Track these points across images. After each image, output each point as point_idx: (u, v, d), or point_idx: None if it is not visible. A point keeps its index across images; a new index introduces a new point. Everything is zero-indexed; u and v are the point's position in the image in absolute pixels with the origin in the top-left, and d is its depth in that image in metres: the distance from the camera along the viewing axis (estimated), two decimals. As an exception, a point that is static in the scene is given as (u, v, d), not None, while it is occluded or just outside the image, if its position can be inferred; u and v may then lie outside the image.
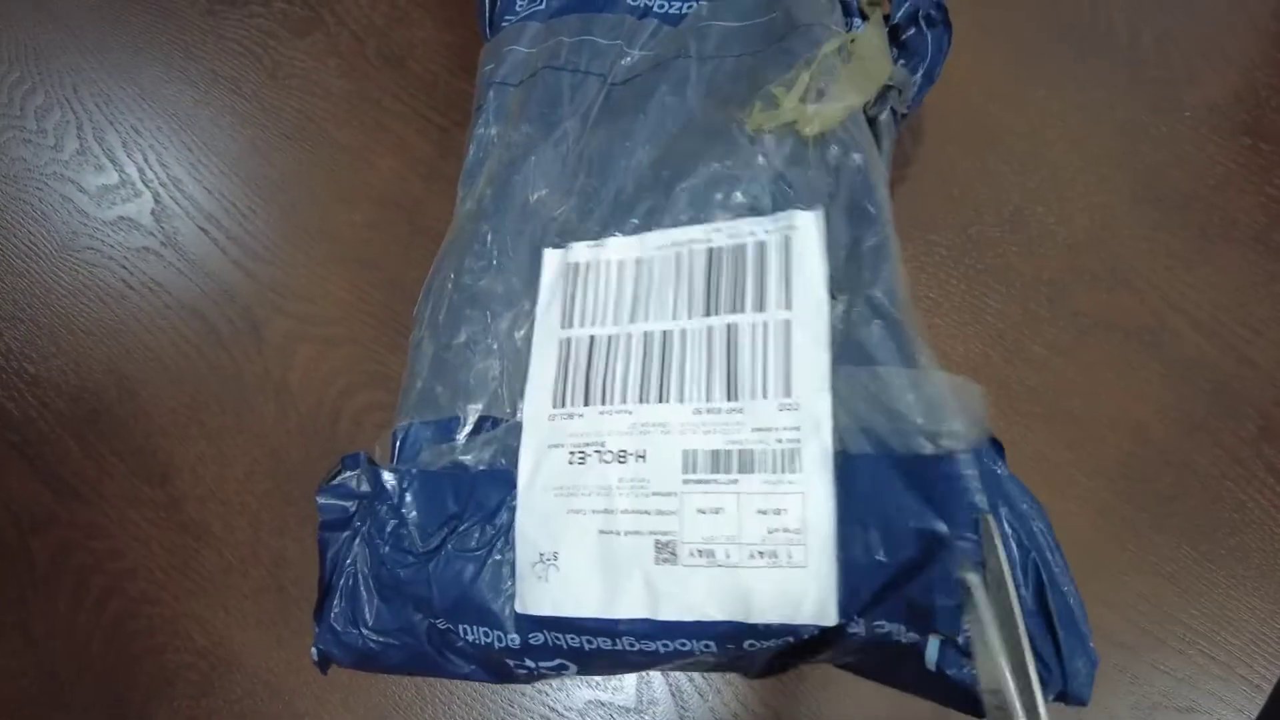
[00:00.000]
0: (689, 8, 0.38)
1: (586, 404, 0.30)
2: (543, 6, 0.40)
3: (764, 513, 0.27)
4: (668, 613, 0.27)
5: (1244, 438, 0.39)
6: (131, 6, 0.52)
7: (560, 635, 0.28)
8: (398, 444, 0.32)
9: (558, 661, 0.29)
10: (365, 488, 0.31)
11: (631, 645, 0.28)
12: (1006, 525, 0.26)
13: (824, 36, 0.35)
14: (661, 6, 0.39)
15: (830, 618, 0.26)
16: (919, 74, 0.38)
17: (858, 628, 0.26)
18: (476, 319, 0.33)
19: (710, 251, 0.31)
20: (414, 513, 0.30)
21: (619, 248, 0.33)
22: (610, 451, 0.29)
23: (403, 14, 0.51)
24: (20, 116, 0.50)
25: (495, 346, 0.33)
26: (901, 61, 0.37)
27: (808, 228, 0.31)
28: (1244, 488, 0.38)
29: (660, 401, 0.29)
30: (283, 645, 0.39)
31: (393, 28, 0.51)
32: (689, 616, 0.27)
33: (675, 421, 0.29)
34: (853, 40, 0.36)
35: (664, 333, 0.30)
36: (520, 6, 0.41)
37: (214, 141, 0.49)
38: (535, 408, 0.31)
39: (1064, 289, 0.42)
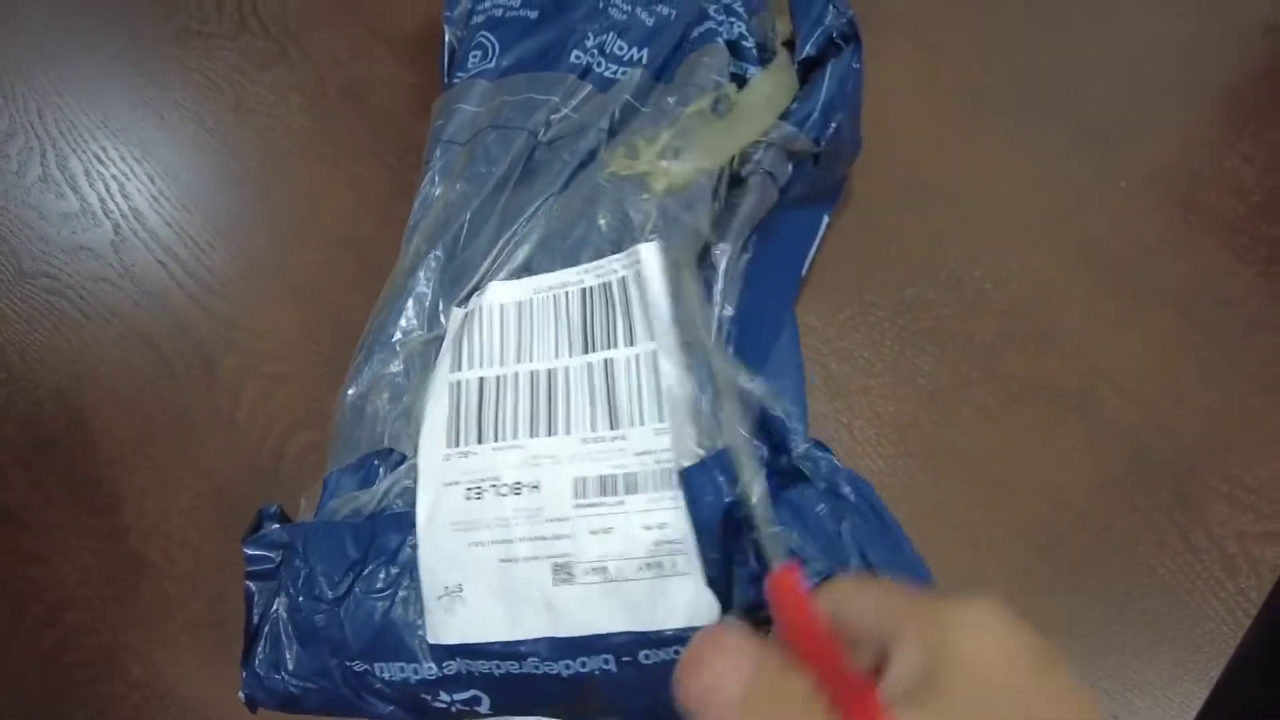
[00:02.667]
0: (624, 74, 0.39)
1: (480, 442, 0.31)
2: (491, 65, 0.41)
3: (649, 528, 0.29)
4: (567, 628, 0.29)
5: (1159, 503, 0.40)
6: (102, 30, 0.53)
7: (471, 662, 0.29)
8: (324, 492, 0.34)
9: (471, 693, 0.30)
10: (285, 538, 0.32)
11: (536, 668, 0.29)
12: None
13: (693, 96, 0.37)
14: (600, 66, 0.40)
15: (714, 614, 0.28)
16: (817, 102, 0.38)
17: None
18: (392, 369, 0.34)
19: (584, 291, 0.34)
20: (320, 562, 0.31)
21: (500, 293, 0.34)
22: (505, 484, 0.30)
23: (366, 50, 0.52)
24: (-16, 141, 0.51)
25: (404, 395, 0.34)
26: (795, 105, 0.38)
27: (651, 258, 0.33)
28: (1156, 553, 0.39)
29: (550, 434, 0.31)
30: (219, 678, 0.39)
31: (355, 63, 0.52)
32: (587, 630, 0.29)
33: (565, 452, 0.30)
34: (741, 90, 0.37)
35: (549, 371, 0.32)
36: (471, 64, 0.42)
37: (175, 173, 0.50)
38: (430, 450, 0.32)
39: (995, 352, 0.43)
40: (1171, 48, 0.51)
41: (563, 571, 0.29)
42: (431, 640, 0.30)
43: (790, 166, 0.38)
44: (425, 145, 0.41)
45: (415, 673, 0.30)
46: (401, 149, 0.49)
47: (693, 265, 0.34)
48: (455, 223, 0.36)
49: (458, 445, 0.31)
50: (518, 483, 0.30)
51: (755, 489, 0.25)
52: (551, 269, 0.34)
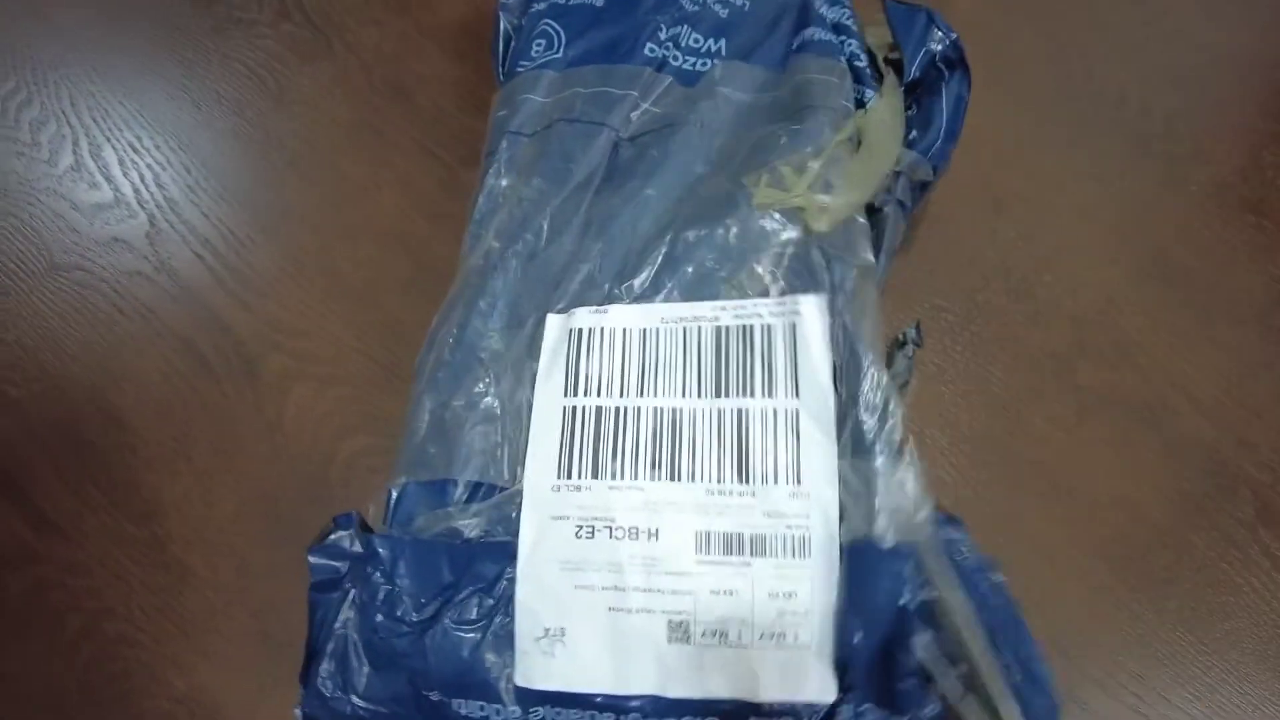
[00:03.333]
0: (705, 65, 0.38)
1: (595, 477, 0.30)
2: (559, 55, 0.40)
3: (774, 596, 0.28)
4: (677, 691, 0.27)
5: (1241, 520, 0.39)
6: (135, 19, 0.51)
7: (563, 710, 0.28)
8: (392, 503, 0.32)
9: None
10: (357, 548, 0.30)
11: None
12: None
13: (833, 122, 0.35)
14: (678, 60, 0.39)
15: (830, 694, 0.27)
16: (939, 131, 0.37)
17: (848, 709, 0.27)
18: (477, 379, 0.33)
19: (718, 330, 0.31)
20: (408, 580, 0.29)
21: (623, 316, 0.32)
22: (621, 527, 0.29)
23: (413, 45, 0.51)
24: (14, 128, 0.49)
25: (496, 409, 0.32)
26: (914, 133, 0.37)
27: (812, 314, 0.31)
28: (1240, 571, 0.38)
29: (672, 479, 0.29)
30: (265, 695, 0.38)
31: (402, 58, 0.50)
32: (698, 695, 0.27)
33: (688, 500, 0.29)
34: (864, 116, 0.36)
35: (674, 410, 0.30)
36: (536, 53, 0.40)
37: (214, 165, 0.48)
38: (538, 477, 0.30)
39: (1068, 362, 0.42)
40: (1231, 60, 0.50)
41: (679, 630, 0.28)
42: (522, 684, 0.28)
43: (915, 194, 0.37)
44: (487, 137, 0.40)
45: (498, 714, 0.28)
46: (452, 145, 0.47)
47: (875, 313, 0.31)
48: (534, 220, 0.35)
49: (570, 477, 0.30)
50: (635, 527, 0.29)
51: (959, 606, 0.24)
52: (669, 289, 0.32)
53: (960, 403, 0.41)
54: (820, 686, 0.27)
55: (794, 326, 0.31)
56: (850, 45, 0.39)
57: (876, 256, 0.33)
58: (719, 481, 0.29)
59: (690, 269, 0.33)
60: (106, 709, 0.37)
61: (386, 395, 0.42)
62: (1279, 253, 0.44)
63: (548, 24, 0.41)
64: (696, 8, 0.40)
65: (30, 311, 0.45)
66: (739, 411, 0.30)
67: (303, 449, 0.41)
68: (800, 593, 0.27)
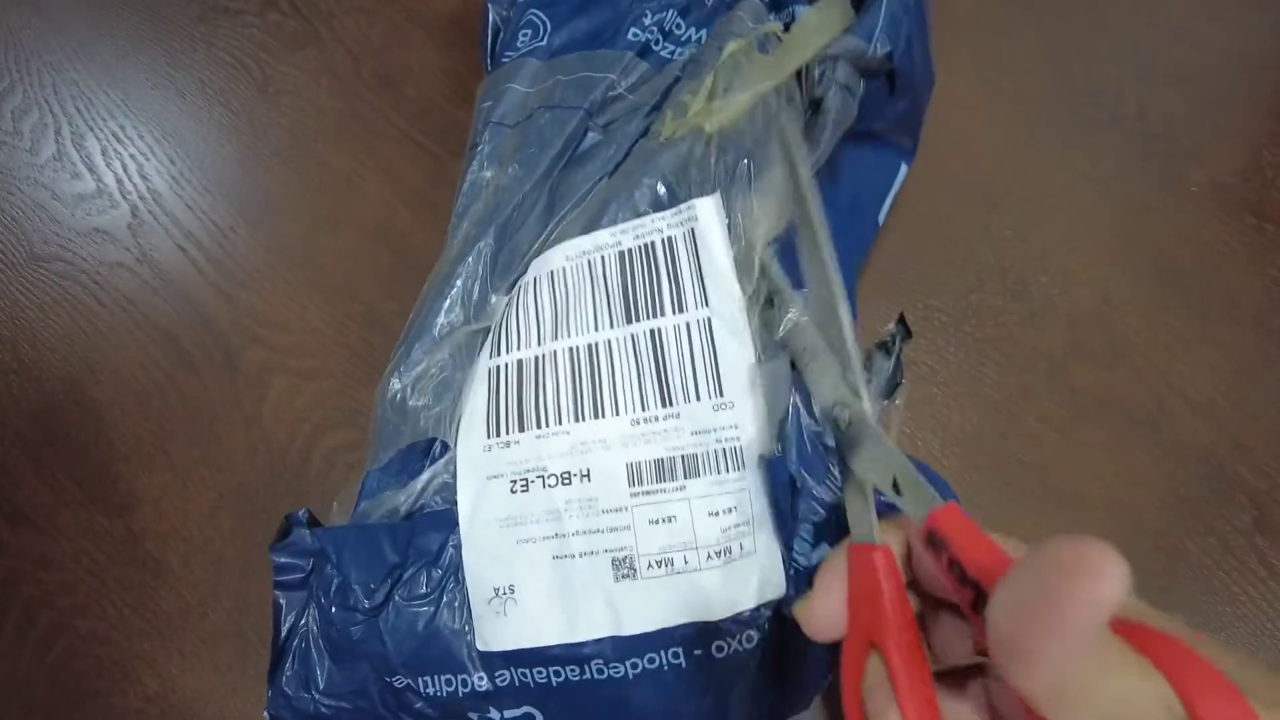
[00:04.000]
0: (680, 54, 0.37)
1: (522, 429, 0.29)
2: (543, 44, 0.39)
3: (714, 514, 0.27)
4: (631, 627, 0.27)
5: (1238, 527, 0.38)
6: (120, 7, 0.51)
7: (526, 670, 0.27)
8: (360, 494, 0.31)
9: (524, 710, 0.28)
10: (316, 544, 0.30)
11: (600, 671, 0.27)
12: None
13: (728, 39, 0.34)
14: (658, 45, 0.38)
15: (781, 588, 0.27)
16: (880, 11, 0.34)
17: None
18: (440, 367, 0.32)
19: (621, 254, 0.31)
20: (354, 568, 0.28)
21: (537, 266, 0.32)
22: (553, 474, 0.28)
23: (401, 35, 0.50)
24: (-5, 116, 0.48)
25: (451, 394, 0.31)
26: (858, 19, 0.34)
27: (709, 215, 0.30)
28: (1237, 580, 0.37)
29: (596, 417, 0.28)
30: (238, 694, 0.37)
31: (390, 48, 0.49)
32: (654, 627, 0.27)
33: (614, 435, 0.28)
34: (789, 24, 0.34)
35: (589, 345, 0.30)
36: (521, 42, 0.39)
37: (198, 155, 0.47)
38: (469, 441, 0.29)
39: (1062, 364, 0.41)
40: (1230, 59, 0.49)
41: (624, 566, 0.27)
42: (482, 647, 0.27)
43: (863, 83, 0.34)
44: (470, 129, 0.39)
45: (464, 685, 0.27)
46: (439, 136, 0.47)
47: (801, 146, 0.29)
48: (507, 207, 0.34)
49: (499, 435, 0.29)
50: (566, 472, 0.28)
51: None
52: (577, 232, 0.32)
53: (952, 404, 0.40)
54: (773, 585, 0.26)
55: (692, 232, 0.30)
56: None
57: (814, 142, 0.32)
58: (642, 409, 0.28)
59: (600, 210, 0.32)
60: (77, 707, 0.37)
61: (366, 389, 0.41)
62: (1278, 254, 0.43)
63: (534, 14, 0.40)
64: None
65: (8, 302, 0.44)
66: (653, 333, 0.29)
67: (281, 444, 0.40)
68: (739, 504, 0.27)
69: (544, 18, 0.40)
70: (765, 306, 0.29)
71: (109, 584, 0.38)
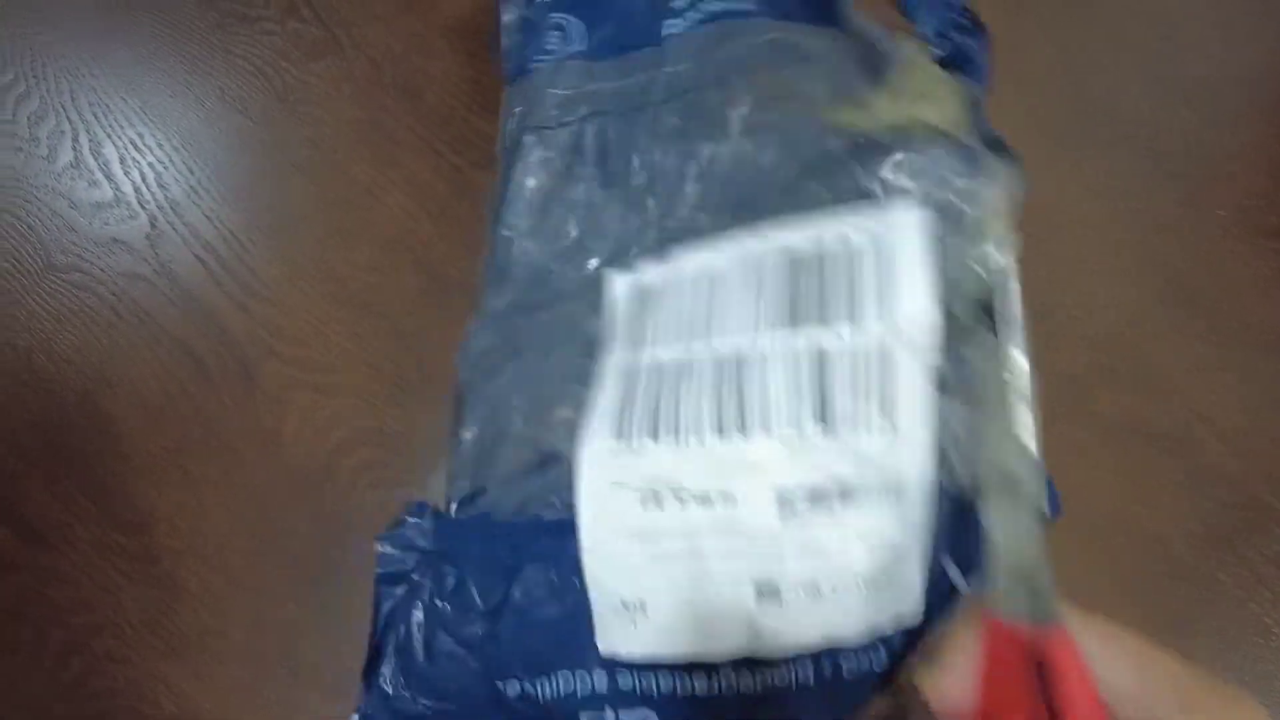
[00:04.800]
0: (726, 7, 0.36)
1: (655, 439, 0.27)
2: (578, 47, 0.38)
3: (870, 546, 0.25)
4: (769, 646, 0.26)
5: (1269, 557, 0.38)
6: (137, 14, 0.50)
7: (652, 675, 0.26)
8: (453, 503, 0.30)
9: (642, 713, 0.27)
10: (424, 542, 0.29)
11: (730, 686, 0.26)
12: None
13: (899, 56, 0.33)
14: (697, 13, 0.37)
15: (918, 618, 0.26)
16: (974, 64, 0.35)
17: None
18: (533, 365, 0.32)
19: (793, 258, 0.28)
20: (472, 566, 0.28)
21: (688, 261, 0.30)
22: (690, 493, 0.26)
23: (424, 44, 0.49)
24: (11, 122, 0.47)
25: (558, 390, 0.30)
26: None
27: (909, 229, 0.27)
28: (1269, 612, 0.37)
29: (742, 432, 0.26)
30: (256, 715, 0.36)
31: (412, 57, 0.49)
32: (791, 647, 0.26)
33: (764, 456, 0.26)
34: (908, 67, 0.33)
35: (741, 356, 0.27)
36: (552, 45, 0.39)
37: (217, 165, 0.46)
38: (595, 443, 0.28)
39: (1087, 387, 0.41)
40: (1248, 77, 0.49)
41: (768, 592, 0.25)
42: (606, 652, 0.26)
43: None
44: (501, 136, 0.38)
45: (583, 683, 0.27)
46: (461, 147, 0.46)
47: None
48: (581, 208, 0.33)
49: (628, 440, 0.27)
50: (706, 492, 0.26)
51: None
52: (738, 227, 0.30)
53: (979, 428, 0.40)
54: (911, 614, 0.25)
55: (885, 242, 0.27)
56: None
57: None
58: (798, 428, 0.26)
59: (765, 202, 0.30)
60: (92, 728, 0.36)
61: (389, 407, 0.40)
62: (1304, 282, 0.43)
63: (559, 16, 0.39)
64: None
65: (24, 313, 0.43)
66: (818, 348, 0.26)
67: (300, 461, 0.40)
68: (897, 539, 0.25)
69: (572, 19, 0.39)
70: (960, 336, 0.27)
71: (124, 603, 0.38)
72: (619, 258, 0.32)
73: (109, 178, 0.46)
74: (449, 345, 0.36)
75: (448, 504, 0.30)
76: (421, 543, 0.29)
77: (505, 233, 0.35)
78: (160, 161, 0.46)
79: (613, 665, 0.26)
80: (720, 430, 0.26)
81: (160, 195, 0.46)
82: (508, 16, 0.41)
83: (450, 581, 0.28)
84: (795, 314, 0.27)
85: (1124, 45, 0.49)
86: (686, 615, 0.26)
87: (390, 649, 0.28)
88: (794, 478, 0.26)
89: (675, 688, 0.26)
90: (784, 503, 0.25)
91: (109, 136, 0.47)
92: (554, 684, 0.27)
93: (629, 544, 0.26)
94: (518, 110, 0.38)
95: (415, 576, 0.29)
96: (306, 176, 0.46)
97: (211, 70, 0.49)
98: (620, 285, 0.31)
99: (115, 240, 0.45)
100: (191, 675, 0.37)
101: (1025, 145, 0.46)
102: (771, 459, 0.26)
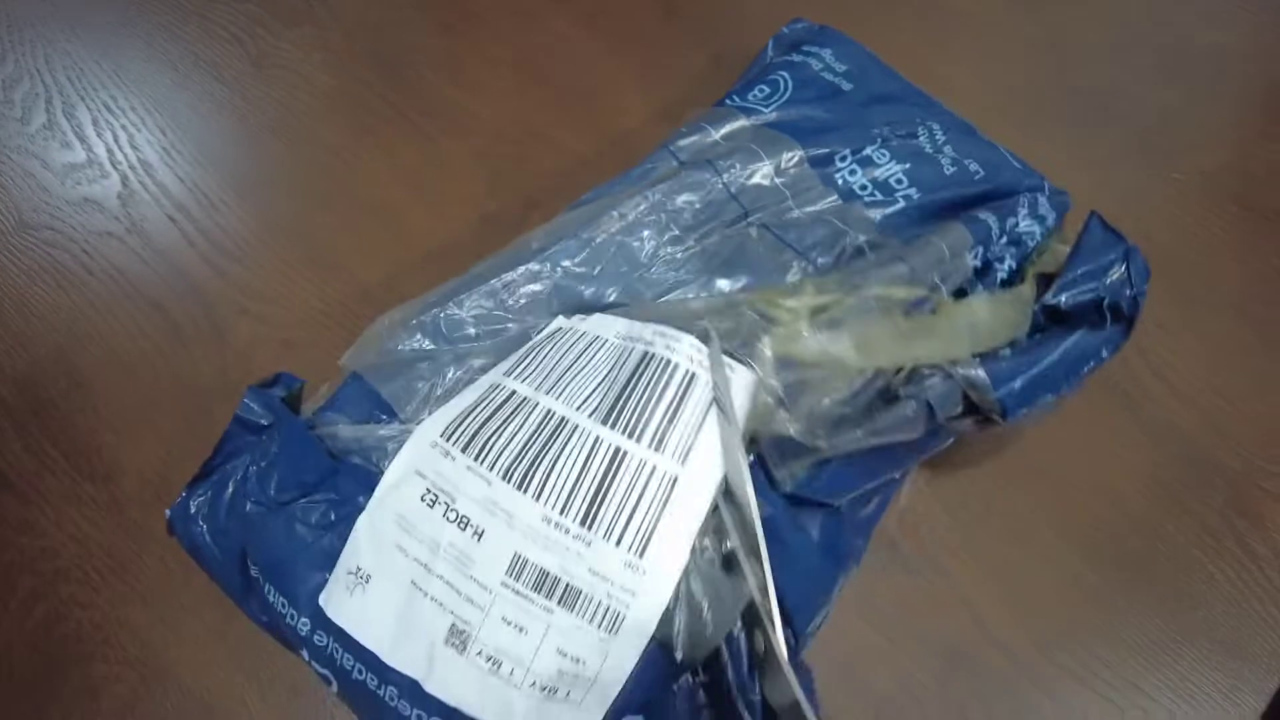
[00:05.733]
0: (890, 204, 0.37)
1: (464, 451, 0.28)
2: (767, 109, 0.39)
3: (564, 655, 0.26)
4: (435, 688, 0.27)
5: (1215, 508, 0.38)
6: (115, -20, 0.51)
7: (340, 648, 0.28)
8: (336, 393, 0.33)
9: (325, 671, 0.29)
10: (274, 415, 0.31)
11: (393, 699, 0.27)
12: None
13: (908, 275, 0.31)
14: (864, 190, 0.37)
15: None
16: (1035, 372, 0.31)
17: None
18: (464, 337, 0.33)
19: (644, 355, 0.30)
20: (285, 464, 0.29)
21: (597, 322, 0.32)
22: (455, 510, 0.28)
23: (398, 13, 0.50)
24: (-13, 85, 0.48)
25: (450, 375, 0.32)
26: (1006, 353, 0.31)
27: (740, 384, 0.29)
28: (1214, 559, 0.37)
29: (519, 488, 0.27)
30: (219, 664, 0.37)
31: (386, 28, 0.50)
32: (451, 702, 0.27)
33: (523, 516, 0.27)
34: (952, 301, 0.31)
35: (561, 419, 0.28)
36: (753, 97, 0.39)
37: (190, 127, 0.47)
38: (428, 429, 0.30)
39: (1046, 346, 0.41)
40: (1224, 54, 0.50)
41: (457, 636, 0.27)
42: (323, 605, 0.28)
43: (957, 414, 0.30)
44: (669, 137, 0.39)
45: (293, 619, 0.28)
46: (434, 116, 0.47)
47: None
48: (626, 239, 0.34)
49: (449, 440, 0.29)
50: (466, 518, 0.27)
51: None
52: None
53: (937, 384, 0.41)
54: None
55: (713, 385, 0.29)
56: (1009, 253, 0.35)
57: (843, 435, 0.28)
58: (561, 512, 0.27)
59: (674, 311, 0.32)
60: (56, 671, 0.37)
61: (355, 361, 0.41)
62: (1261, 244, 0.44)
63: (783, 75, 0.40)
64: (929, 149, 0.38)
65: (-3, 269, 0.44)
66: (616, 450, 0.28)
67: (268, 414, 0.40)
68: (590, 662, 0.26)
69: (789, 84, 0.39)
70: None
71: (92, 550, 0.38)
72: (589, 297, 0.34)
73: (82, 139, 0.47)
74: (410, 299, 0.37)
75: (330, 388, 0.32)
76: (272, 415, 0.31)
77: (573, 209, 0.36)
78: (133, 124, 0.47)
79: (320, 621, 0.28)
80: (505, 475, 0.27)
81: (133, 156, 0.46)
82: (768, 51, 0.42)
83: (265, 462, 0.29)
84: (614, 411, 0.28)
85: (1106, 24, 0.50)
86: (389, 614, 0.27)
87: (213, 479, 0.30)
88: (534, 551, 0.27)
89: (354, 671, 0.27)
90: (515, 567, 0.27)
91: (82, 99, 0.47)
92: (276, 600, 0.28)
93: (393, 524, 0.28)
94: (681, 128, 0.39)
95: (263, 436, 0.30)
96: (279, 140, 0.47)
97: (186, 35, 0.49)
98: (555, 321, 0.33)
99: (87, 200, 0.45)
100: (157, 621, 0.37)
101: (1004, 119, 0.47)
102: (527, 522, 0.27)
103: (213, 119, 0.47)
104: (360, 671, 0.28)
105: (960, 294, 0.33)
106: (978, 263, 0.34)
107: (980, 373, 0.29)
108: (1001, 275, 0.35)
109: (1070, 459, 0.39)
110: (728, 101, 0.39)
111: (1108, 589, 0.37)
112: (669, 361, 0.29)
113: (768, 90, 0.39)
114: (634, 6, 0.52)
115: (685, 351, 0.30)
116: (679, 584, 0.26)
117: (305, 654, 0.29)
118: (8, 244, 0.44)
